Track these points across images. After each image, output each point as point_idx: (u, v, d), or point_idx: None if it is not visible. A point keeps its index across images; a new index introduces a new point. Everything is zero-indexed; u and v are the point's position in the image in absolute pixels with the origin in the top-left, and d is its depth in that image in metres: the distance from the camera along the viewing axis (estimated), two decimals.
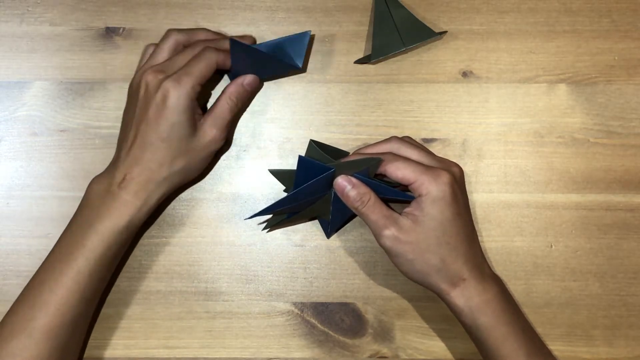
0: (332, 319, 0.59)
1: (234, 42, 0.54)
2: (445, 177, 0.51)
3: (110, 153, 0.60)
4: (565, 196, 0.60)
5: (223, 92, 0.55)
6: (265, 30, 0.61)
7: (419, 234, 0.51)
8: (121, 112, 0.60)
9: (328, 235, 0.59)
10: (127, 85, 0.60)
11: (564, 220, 0.60)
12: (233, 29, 0.61)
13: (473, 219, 0.59)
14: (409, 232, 0.51)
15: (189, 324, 0.59)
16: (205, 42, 0.55)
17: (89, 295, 0.53)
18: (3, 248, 0.59)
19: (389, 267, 0.59)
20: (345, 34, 0.61)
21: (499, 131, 0.60)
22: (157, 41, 0.61)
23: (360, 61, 0.61)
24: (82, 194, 0.60)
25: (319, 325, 0.59)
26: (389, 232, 0.51)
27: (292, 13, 0.61)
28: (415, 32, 0.59)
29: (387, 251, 0.53)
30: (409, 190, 0.54)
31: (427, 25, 0.59)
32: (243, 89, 0.56)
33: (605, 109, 0.60)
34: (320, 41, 0.61)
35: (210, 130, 0.54)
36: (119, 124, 0.60)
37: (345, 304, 0.59)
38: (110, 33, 0.61)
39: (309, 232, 0.60)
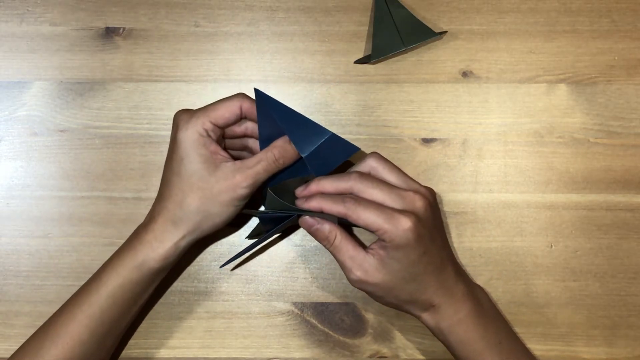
0: (332, 319, 0.59)
1: (258, 92, 0.51)
2: (406, 224, 0.49)
3: (110, 153, 0.60)
4: (565, 196, 0.60)
5: (270, 145, 0.53)
6: (265, 30, 0.61)
7: (385, 275, 0.51)
8: (121, 112, 0.60)
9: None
10: (127, 85, 0.61)
11: (564, 220, 0.60)
12: (233, 29, 0.61)
13: (473, 219, 0.59)
14: (375, 274, 0.51)
15: (189, 324, 0.59)
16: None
17: (102, 334, 0.51)
18: (3, 248, 0.59)
19: None
20: (345, 34, 0.61)
21: (499, 131, 0.60)
22: (157, 42, 0.61)
23: (360, 61, 0.61)
24: (81, 194, 0.60)
25: (319, 325, 0.59)
26: (354, 277, 0.51)
27: (292, 13, 0.61)
28: (415, 32, 0.59)
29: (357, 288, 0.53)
30: None
31: (427, 25, 0.59)
32: (290, 147, 0.52)
33: (605, 109, 0.60)
34: (320, 41, 0.61)
35: (232, 175, 0.51)
36: (119, 124, 0.60)
37: (345, 304, 0.59)
38: (110, 33, 0.61)
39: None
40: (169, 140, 0.60)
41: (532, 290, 0.59)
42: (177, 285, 0.59)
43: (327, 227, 0.51)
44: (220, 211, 0.52)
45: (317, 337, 0.59)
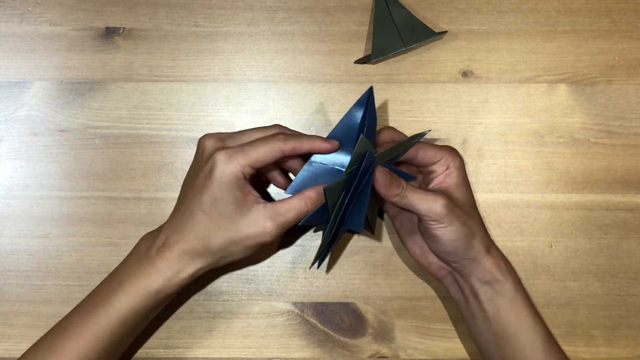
0: (332, 319, 0.59)
1: (372, 91, 0.51)
2: (456, 151, 0.54)
3: (110, 153, 0.60)
4: (565, 196, 0.60)
5: (302, 192, 0.51)
6: (265, 30, 0.61)
7: (460, 200, 0.53)
8: (121, 112, 0.60)
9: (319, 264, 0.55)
10: (127, 86, 0.61)
11: (564, 220, 0.60)
12: (233, 29, 0.61)
13: None
14: (454, 200, 0.52)
15: (189, 324, 0.59)
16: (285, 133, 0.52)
17: (109, 352, 0.51)
18: (3, 248, 0.59)
19: (389, 267, 0.59)
20: (345, 34, 0.61)
21: (499, 131, 0.60)
22: (157, 42, 0.61)
23: (360, 61, 0.61)
24: (81, 194, 0.60)
25: (319, 325, 0.59)
26: (443, 201, 0.51)
27: (292, 13, 0.61)
28: (415, 32, 0.59)
29: (440, 220, 0.51)
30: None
31: (427, 25, 0.59)
32: (321, 199, 0.51)
33: (605, 109, 0.60)
34: (320, 41, 0.61)
35: (264, 221, 0.50)
36: (119, 124, 0.60)
37: (345, 304, 0.59)
38: (110, 33, 0.61)
39: (309, 232, 0.60)
40: (168, 140, 0.60)
41: (532, 290, 0.59)
42: None
43: (396, 177, 0.51)
44: (242, 252, 0.51)
45: (317, 337, 0.59)
